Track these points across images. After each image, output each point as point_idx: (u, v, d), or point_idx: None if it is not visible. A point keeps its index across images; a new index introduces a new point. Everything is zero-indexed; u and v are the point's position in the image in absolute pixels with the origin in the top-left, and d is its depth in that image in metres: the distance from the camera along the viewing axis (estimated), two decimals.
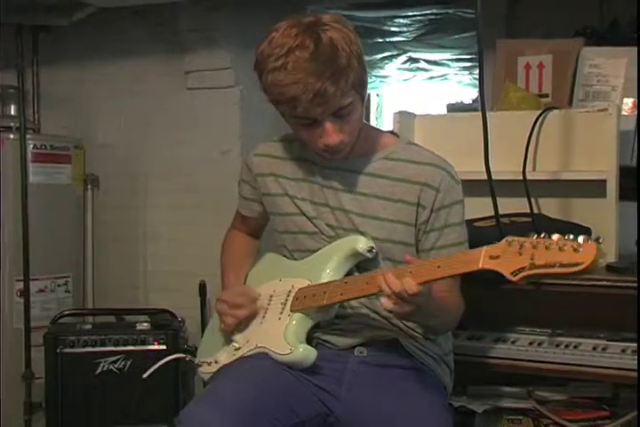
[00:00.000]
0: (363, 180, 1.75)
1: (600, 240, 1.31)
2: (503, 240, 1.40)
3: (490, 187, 1.95)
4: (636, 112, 2.35)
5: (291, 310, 1.72)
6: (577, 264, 1.29)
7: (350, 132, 1.66)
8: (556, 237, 1.34)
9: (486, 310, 2.07)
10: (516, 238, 1.38)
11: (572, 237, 1.32)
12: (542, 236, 1.35)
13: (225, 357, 1.79)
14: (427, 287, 1.51)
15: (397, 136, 1.85)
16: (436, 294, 1.60)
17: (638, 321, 1.83)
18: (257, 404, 1.56)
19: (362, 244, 1.71)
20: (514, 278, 1.36)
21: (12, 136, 3.19)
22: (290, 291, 1.76)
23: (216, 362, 1.80)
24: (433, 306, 1.56)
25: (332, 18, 1.62)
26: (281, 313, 1.74)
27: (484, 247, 1.43)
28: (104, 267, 3.49)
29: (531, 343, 2.09)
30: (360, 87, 1.64)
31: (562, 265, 1.31)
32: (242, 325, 1.80)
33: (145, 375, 1.84)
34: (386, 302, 1.52)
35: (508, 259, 1.38)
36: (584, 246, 1.30)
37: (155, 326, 2.90)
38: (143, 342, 2.83)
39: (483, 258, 1.41)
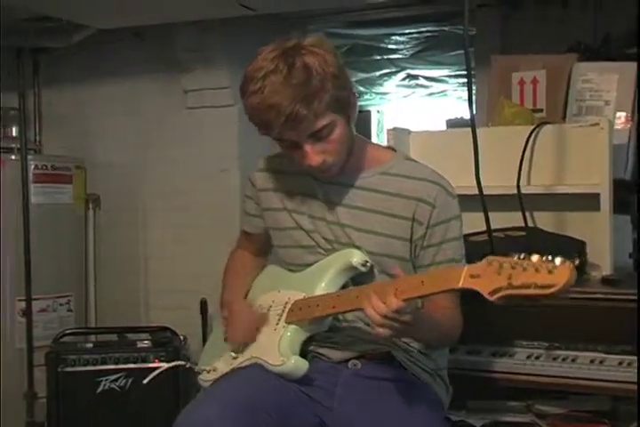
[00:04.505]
0: (359, 194, 1.76)
1: (576, 262, 1.31)
2: (484, 260, 1.39)
3: (482, 201, 1.97)
4: (628, 126, 2.36)
5: (286, 322, 1.74)
6: (549, 286, 1.28)
7: (334, 151, 1.66)
8: (535, 257, 1.32)
9: (484, 324, 2.06)
10: (497, 258, 1.37)
11: (550, 258, 1.30)
12: (522, 257, 1.34)
13: (223, 365, 1.81)
14: (414, 302, 1.51)
15: (395, 151, 1.86)
16: (436, 309, 1.62)
17: (638, 333, 1.83)
18: (253, 403, 1.59)
19: (356, 258, 1.72)
20: (491, 298, 1.35)
21: (13, 157, 3.23)
22: (286, 303, 1.77)
23: (214, 370, 1.82)
24: (424, 321, 1.57)
25: (313, 41, 1.63)
26: (277, 324, 1.76)
27: (466, 266, 1.42)
28: (106, 285, 3.51)
29: (528, 357, 2.09)
30: (339, 107, 1.63)
31: (537, 286, 1.29)
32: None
33: (145, 381, 1.89)
34: (374, 326, 1.51)
35: (487, 278, 1.36)
36: (559, 268, 1.28)
37: (155, 344, 2.91)
38: (144, 360, 2.84)
39: (463, 277, 1.41)
